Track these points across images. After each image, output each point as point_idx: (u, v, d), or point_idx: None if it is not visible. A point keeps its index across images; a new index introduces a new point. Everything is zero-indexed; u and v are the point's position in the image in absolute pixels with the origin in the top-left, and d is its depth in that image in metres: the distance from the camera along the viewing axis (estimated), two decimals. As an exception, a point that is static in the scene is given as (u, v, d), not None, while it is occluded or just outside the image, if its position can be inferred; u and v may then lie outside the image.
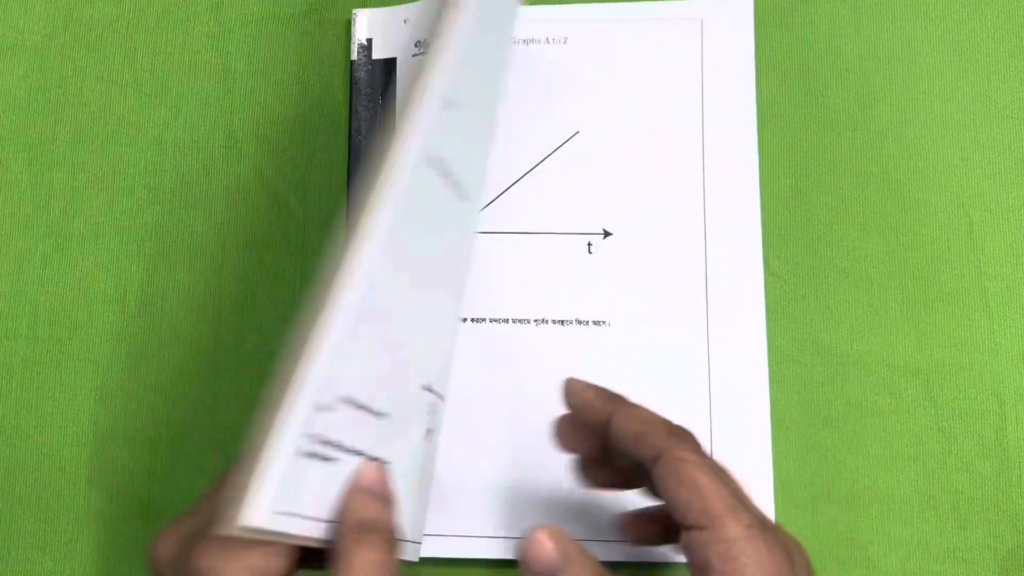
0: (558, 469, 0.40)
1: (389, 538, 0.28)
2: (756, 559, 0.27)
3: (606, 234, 0.42)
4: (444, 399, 0.38)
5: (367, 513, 0.29)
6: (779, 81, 0.44)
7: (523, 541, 0.28)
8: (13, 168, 0.45)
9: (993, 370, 0.40)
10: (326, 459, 0.29)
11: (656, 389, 0.41)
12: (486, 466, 0.40)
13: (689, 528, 0.28)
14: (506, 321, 0.42)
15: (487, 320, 0.42)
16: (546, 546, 0.28)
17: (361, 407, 0.31)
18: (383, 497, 0.30)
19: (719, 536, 0.27)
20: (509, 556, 0.40)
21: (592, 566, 0.28)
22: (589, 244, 0.42)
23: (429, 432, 0.36)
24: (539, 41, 0.44)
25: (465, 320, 0.42)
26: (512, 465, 0.40)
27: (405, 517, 0.32)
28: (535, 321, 0.42)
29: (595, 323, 0.41)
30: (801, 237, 0.42)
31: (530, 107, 0.44)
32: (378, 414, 0.32)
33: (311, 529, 0.28)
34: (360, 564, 0.27)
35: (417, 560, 0.38)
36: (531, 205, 0.43)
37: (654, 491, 0.31)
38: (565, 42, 0.44)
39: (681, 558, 0.33)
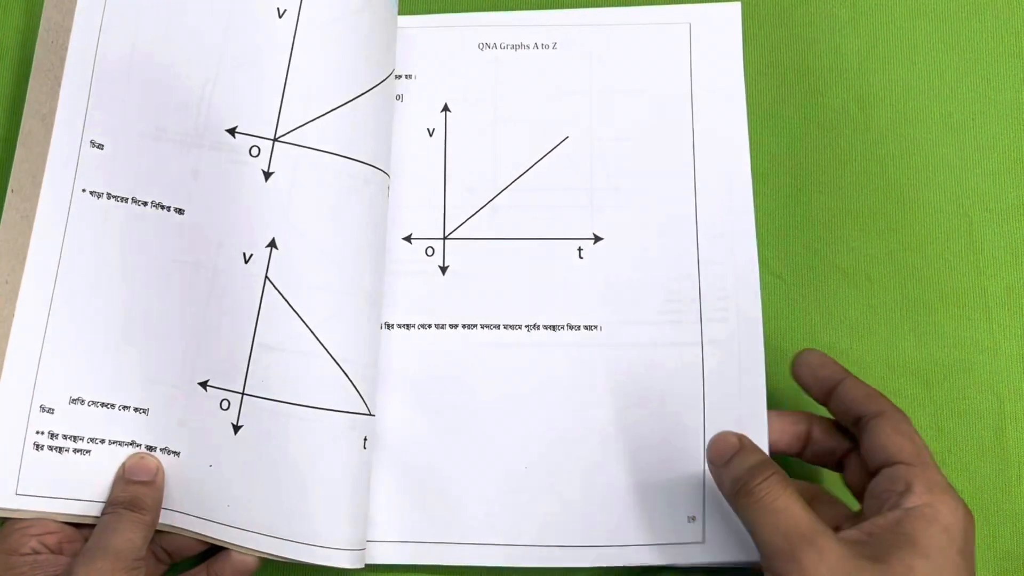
0: (554, 472, 0.40)
1: (135, 510, 0.37)
2: (954, 504, 0.32)
3: (596, 239, 0.42)
4: (262, 396, 0.38)
5: (118, 495, 0.38)
6: (779, 81, 0.44)
7: (712, 439, 0.36)
8: None
9: (993, 370, 0.40)
10: (78, 451, 0.39)
11: (650, 393, 0.40)
12: (479, 472, 0.40)
13: (896, 464, 0.34)
14: (497, 327, 0.42)
15: (478, 327, 0.42)
16: (731, 439, 0.36)
17: (101, 404, 0.39)
18: (139, 482, 0.38)
19: (927, 475, 0.33)
20: (505, 564, 0.39)
21: (760, 454, 0.35)
22: (580, 249, 0.42)
23: (240, 428, 0.38)
24: (528, 47, 0.44)
25: (456, 327, 0.42)
26: (506, 470, 0.40)
27: (227, 504, 0.38)
28: (526, 327, 0.42)
29: (587, 327, 0.41)
30: (801, 237, 0.42)
31: (519, 113, 0.44)
32: (136, 409, 0.39)
33: (67, 507, 0.38)
34: (101, 528, 0.37)
35: (362, 566, 0.38)
36: (521, 211, 0.43)
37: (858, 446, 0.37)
38: (554, 47, 0.44)
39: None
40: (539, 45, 0.44)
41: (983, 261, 0.41)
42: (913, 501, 0.32)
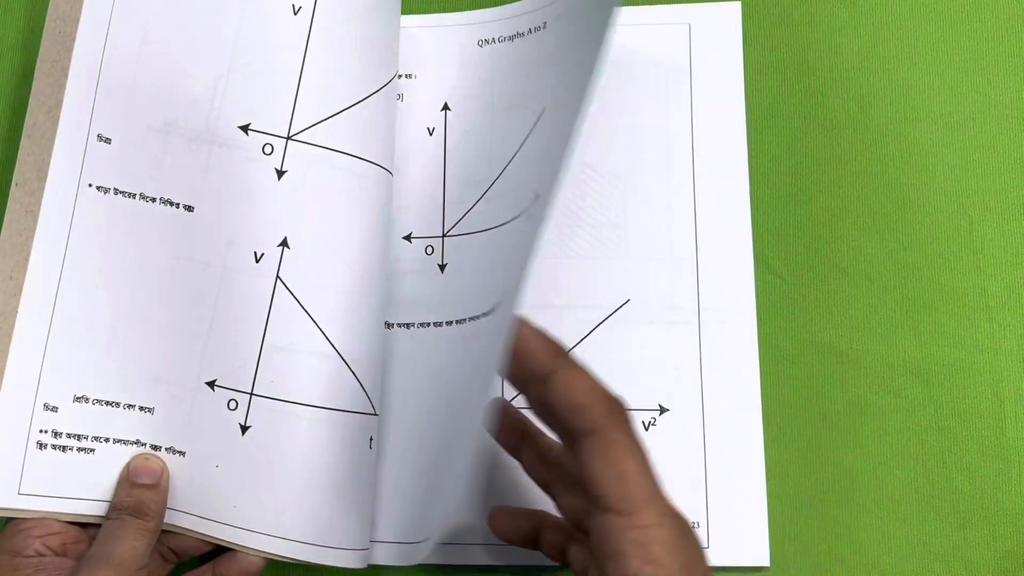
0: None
1: (139, 516, 0.37)
2: (668, 544, 0.28)
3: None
4: (264, 396, 0.38)
5: (122, 499, 0.37)
6: (779, 81, 0.44)
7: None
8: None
9: (993, 370, 0.40)
10: (82, 450, 0.38)
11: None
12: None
13: (606, 511, 0.28)
14: (487, 315, 0.41)
15: (467, 320, 0.41)
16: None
17: (106, 403, 0.38)
18: (143, 485, 0.37)
19: (635, 523, 0.28)
20: (505, 563, 0.39)
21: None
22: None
23: (248, 429, 0.38)
24: (523, 34, 0.44)
25: (451, 323, 0.41)
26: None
27: (232, 505, 0.38)
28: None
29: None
30: (801, 236, 0.42)
31: (516, 100, 0.43)
32: (141, 408, 0.38)
33: (71, 506, 0.37)
34: (105, 535, 0.36)
35: (366, 567, 0.38)
36: (515, 194, 0.42)
37: (573, 460, 0.30)
38: (544, 27, 0.44)
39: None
40: (532, 29, 0.44)
41: (983, 261, 0.41)
42: (632, 567, 0.28)
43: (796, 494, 0.40)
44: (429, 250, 0.43)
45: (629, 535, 0.28)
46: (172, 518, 0.38)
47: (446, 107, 0.44)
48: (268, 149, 0.39)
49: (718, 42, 0.43)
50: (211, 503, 0.38)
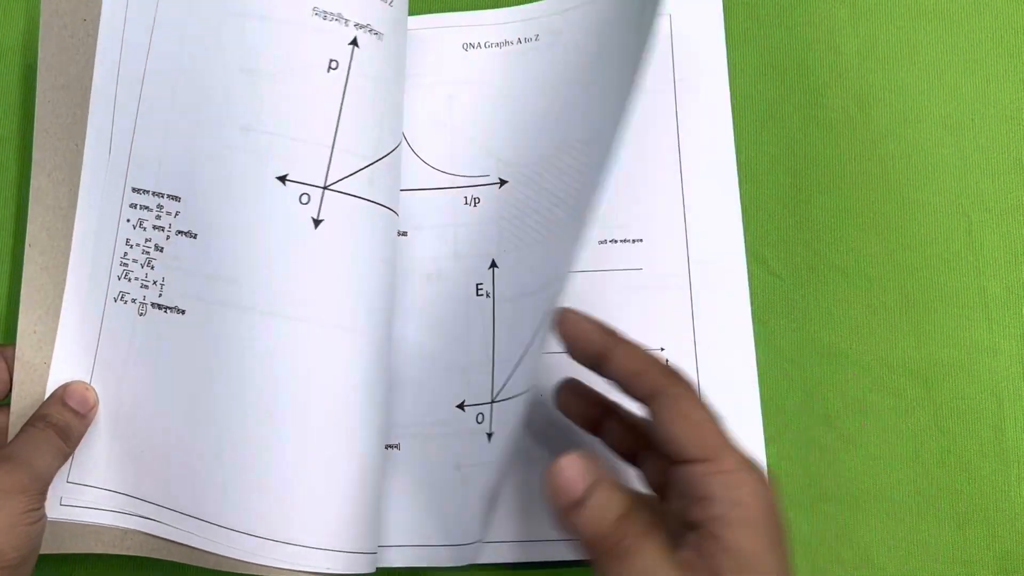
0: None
1: (61, 435, 0.36)
2: (755, 490, 0.28)
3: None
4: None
5: (54, 415, 0.37)
6: (779, 81, 0.44)
7: (548, 471, 0.29)
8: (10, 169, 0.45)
9: (993, 370, 0.40)
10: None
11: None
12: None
13: (688, 461, 0.29)
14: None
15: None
16: (566, 473, 0.28)
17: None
18: (73, 410, 0.37)
19: (720, 467, 0.28)
20: (509, 560, 0.39)
21: (622, 495, 0.29)
22: None
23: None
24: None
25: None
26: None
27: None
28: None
29: None
30: (800, 237, 0.42)
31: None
32: None
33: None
34: (27, 439, 0.36)
35: (374, 571, 0.38)
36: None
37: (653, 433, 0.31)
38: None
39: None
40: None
41: (983, 261, 0.41)
42: (718, 509, 0.28)
43: (796, 494, 0.40)
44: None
45: (715, 479, 0.28)
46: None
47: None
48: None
49: (700, 32, 0.43)
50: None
